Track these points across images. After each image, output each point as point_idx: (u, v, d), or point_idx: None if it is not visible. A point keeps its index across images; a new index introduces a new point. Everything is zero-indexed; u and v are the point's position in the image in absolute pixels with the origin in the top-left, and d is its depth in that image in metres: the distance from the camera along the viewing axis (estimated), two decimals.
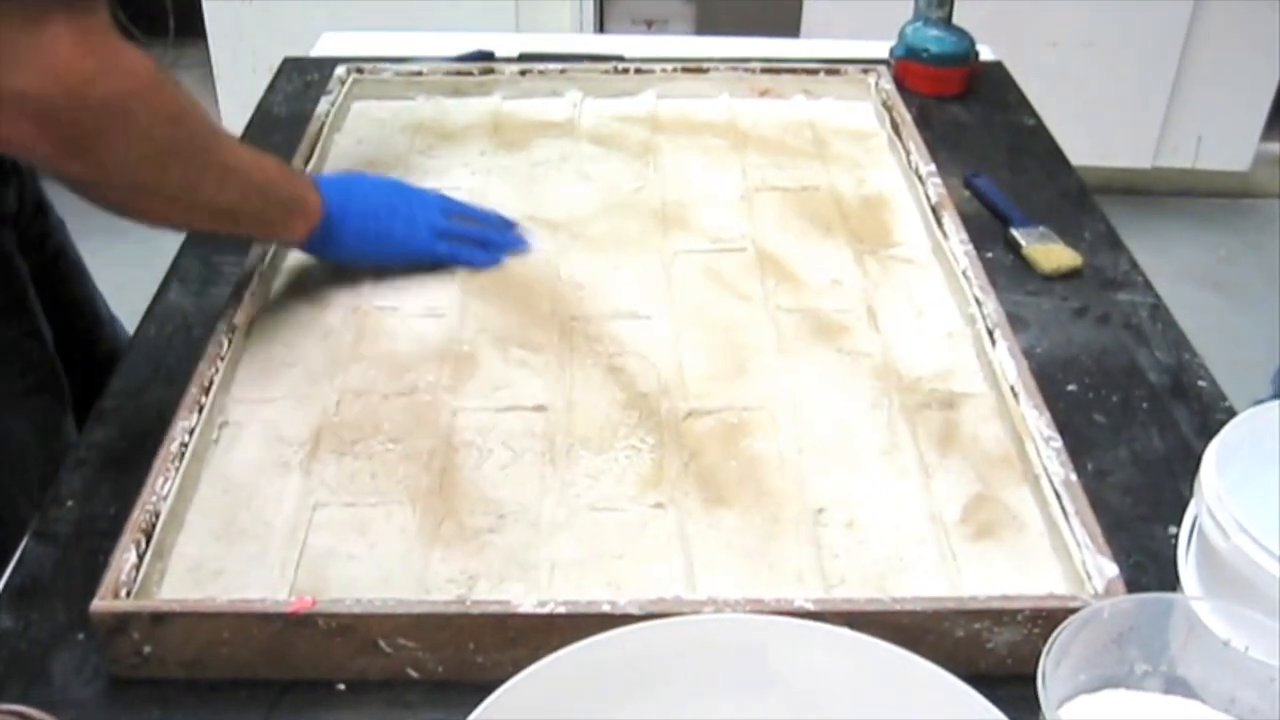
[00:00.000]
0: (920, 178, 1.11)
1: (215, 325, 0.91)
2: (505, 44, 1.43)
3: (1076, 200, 1.17)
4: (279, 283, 1.00)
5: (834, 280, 1.01)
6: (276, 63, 1.42)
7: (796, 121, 1.26)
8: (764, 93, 1.31)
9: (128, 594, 0.69)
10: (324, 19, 1.80)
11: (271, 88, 1.37)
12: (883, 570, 0.74)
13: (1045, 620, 0.67)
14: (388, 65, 1.31)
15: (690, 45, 1.68)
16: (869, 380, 0.90)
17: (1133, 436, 0.88)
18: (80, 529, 0.78)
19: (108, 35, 0.73)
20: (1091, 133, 2.59)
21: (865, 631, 0.59)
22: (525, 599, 0.68)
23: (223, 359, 0.88)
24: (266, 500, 0.79)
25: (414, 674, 0.69)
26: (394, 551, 0.75)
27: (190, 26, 2.81)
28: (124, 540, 0.71)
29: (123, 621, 0.67)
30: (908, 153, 1.16)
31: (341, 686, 0.69)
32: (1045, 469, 0.78)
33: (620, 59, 1.34)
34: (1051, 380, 0.91)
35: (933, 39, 1.35)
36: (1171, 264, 2.48)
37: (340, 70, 1.29)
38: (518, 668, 0.56)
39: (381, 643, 0.68)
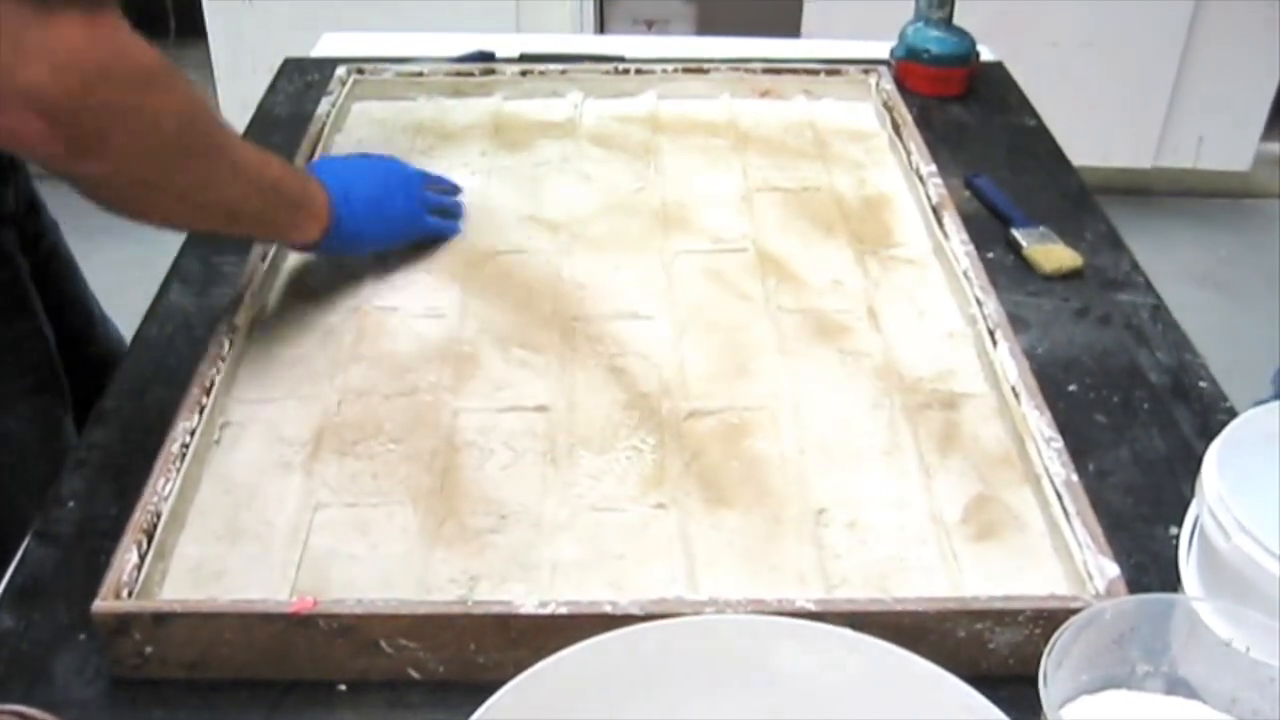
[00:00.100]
0: (921, 178, 1.11)
1: (216, 326, 0.91)
2: (506, 44, 1.43)
3: (1077, 200, 1.17)
4: (280, 283, 1.00)
5: (835, 280, 1.01)
6: (277, 63, 1.42)
7: (797, 122, 1.26)
8: (765, 93, 1.31)
9: (129, 594, 0.69)
10: (325, 19, 1.80)
11: (272, 88, 1.37)
12: (884, 570, 0.74)
13: (1047, 621, 0.67)
14: (388, 66, 1.31)
15: (691, 46, 1.68)
16: (870, 381, 0.90)
17: (1134, 437, 0.88)
18: (82, 529, 0.78)
19: (117, 30, 0.72)
20: (1092, 133, 2.59)
21: (867, 632, 0.59)
22: (527, 599, 0.68)
23: (224, 359, 0.88)
24: (268, 501, 0.79)
25: (415, 674, 0.69)
26: (395, 552, 0.75)
27: (191, 27, 2.80)
28: (125, 541, 0.71)
29: (124, 622, 0.67)
30: (908, 153, 1.16)
31: (343, 687, 0.69)
32: (1046, 469, 0.78)
33: (621, 59, 1.34)
34: (1052, 381, 0.91)
35: (933, 39, 1.35)
36: (1172, 264, 2.48)
37: (341, 71, 1.29)
38: (519, 668, 0.56)
39: (383, 643, 0.68)
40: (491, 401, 0.88)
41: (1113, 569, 0.70)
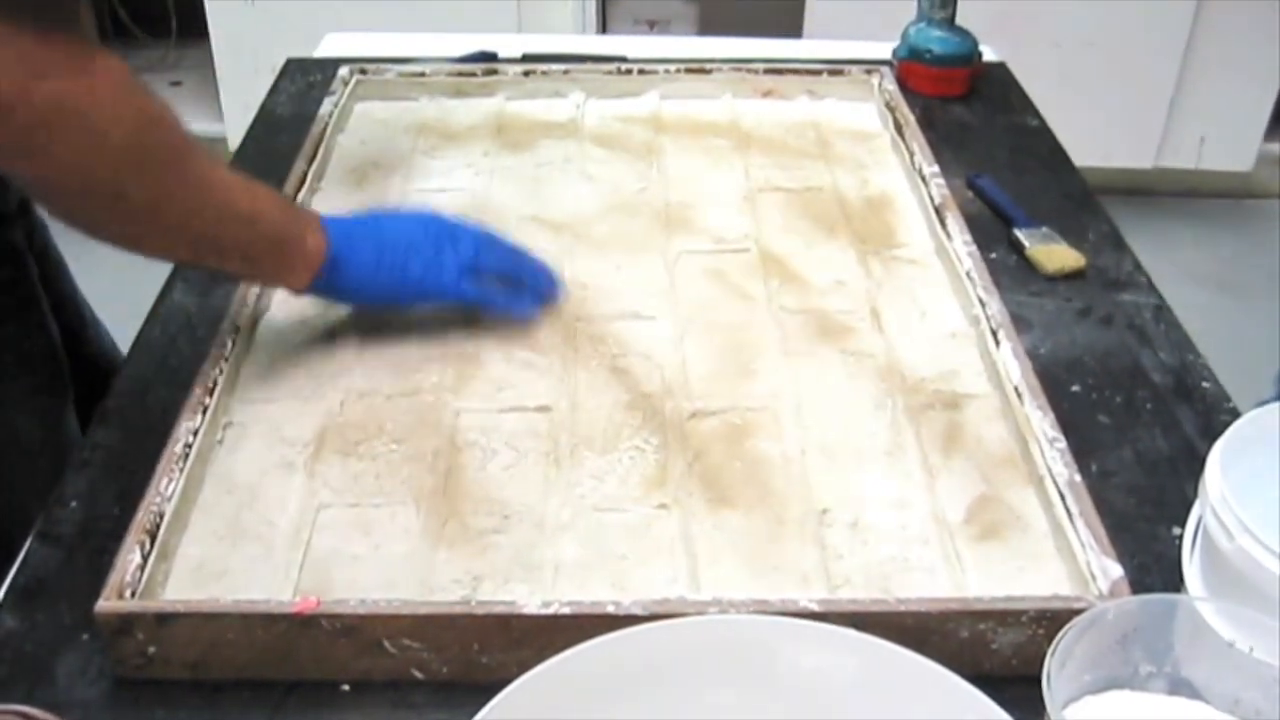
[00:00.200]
0: (923, 178, 1.11)
1: (219, 326, 0.91)
2: (508, 45, 1.43)
3: (1080, 201, 1.17)
4: None
5: (837, 281, 1.01)
6: (279, 63, 1.42)
7: (799, 122, 1.26)
8: (767, 93, 1.31)
9: (132, 594, 0.69)
10: (327, 20, 1.80)
11: (274, 89, 1.37)
12: (887, 571, 0.74)
13: (1050, 621, 0.67)
14: (391, 66, 1.31)
15: (693, 46, 1.68)
16: (873, 381, 0.90)
17: (1136, 437, 0.88)
18: (84, 530, 0.78)
19: (72, 36, 0.70)
20: (1094, 133, 2.59)
21: (869, 632, 0.59)
22: (530, 600, 0.68)
23: (226, 360, 0.88)
24: (270, 501, 0.79)
25: (418, 675, 0.69)
26: (398, 552, 0.75)
27: (193, 27, 2.81)
28: (128, 541, 0.71)
29: (127, 622, 0.67)
30: (911, 153, 1.16)
31: (346, 687, 0.69)
32: (1049, 470, 0.78)
33: (623, 60, 1.34)
34: (1055, 381, 0.91)
35: (936, 39, 1.35)
36: (1174, 265, 2.48)
37: (343, 71, 1.29)
38: (522, 668, 0.56)
39: (386, 643, 0.68)
40: (494, 402, 0.88)
41: (1116, 569, 0.70)
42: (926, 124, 1.22)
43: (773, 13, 2.62)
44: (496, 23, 2.53)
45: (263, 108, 1.33)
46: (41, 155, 0.71)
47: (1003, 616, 0.68)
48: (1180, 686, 0.61)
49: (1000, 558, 0.76)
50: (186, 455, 0.79)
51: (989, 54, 1.42)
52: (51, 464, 0.98)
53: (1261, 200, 2.95)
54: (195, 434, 0.81)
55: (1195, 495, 0.71)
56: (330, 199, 1.11)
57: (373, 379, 0.90)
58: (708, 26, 2.85)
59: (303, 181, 1.10)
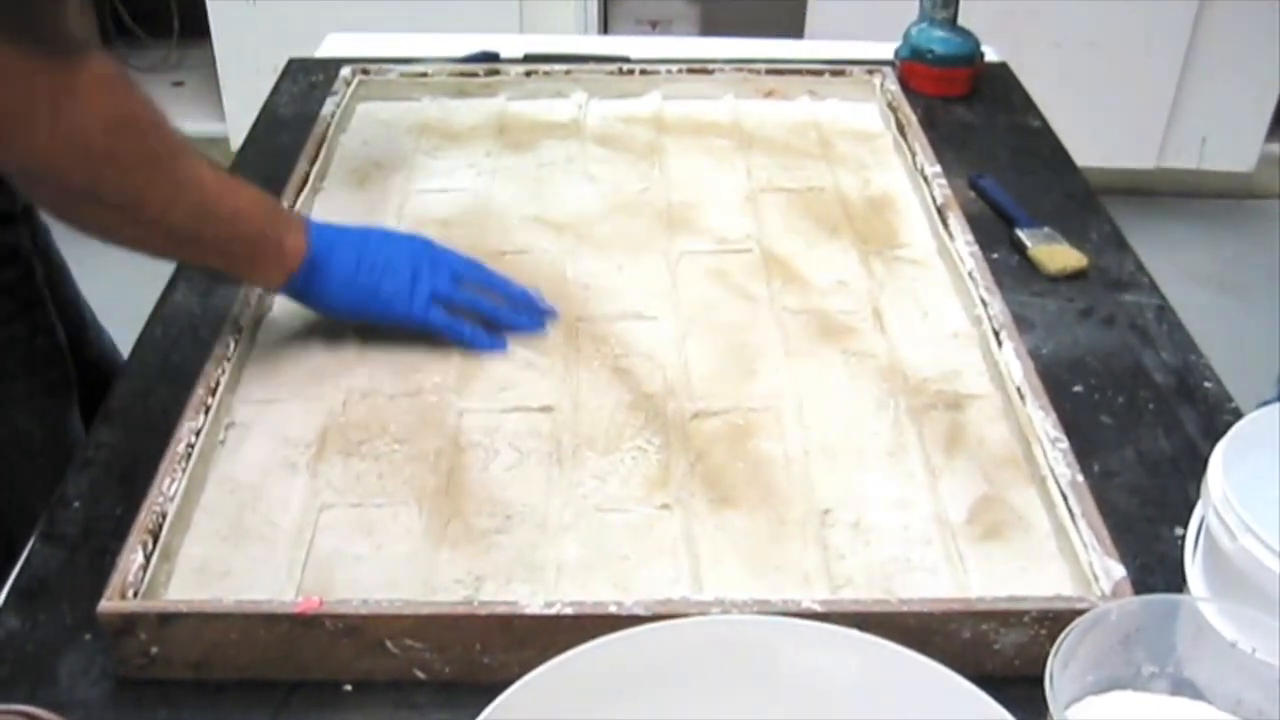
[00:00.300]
0: (925, 178, 1.11)
1: (221, 326, 0.91)
2: (510, 45, 1.43)
3: (1081, 201, 1.17)
4: None
5: (840, 281, 1.01)
6: (282, 64, 1.43)
7: (801, 122, 1.26)
8: (769, 94, 1.31)
9: (135, 594, 0.69)
10: (329, 20, 1.80)
11: (276, 89, 1.37)
12: (889, 571, 0.74)
13: (1052, 621, 0.67)
14: (393, 66, 1.31)
15: (695, 46, 1.68)
16: (875, 381, 0.90)
17: (1139, 438, 0.88)
18: (87, 530, 0.78)
19: (56, 34, 0.71)
20: (1096, 133, 2.59)
21: (872, 633, 0.59)
22: (532, 600, 0.68)
23: (229, 360, 0.88)
24: (273, 501, 0.79)
25: (421, 675, 0.69)
26: (400, 552, 0.75)
27: (195, 27, 2.81)
28: (131, 541, 0.71)
29: (130, 622, 0.67)
30: (913, 154, 1.16)
31: (348, 687, 0.69)
32: (1052, 470, 0.78)
33: (625, 60, 1.34)
34: (1057, 381, 0.91)
35: (938, 40, 1.35)
36: (1176, 265, 2.48)
37: (345, 71, 1.29)
38: (525, 669, 0.56)
39: (388, 643, 0.68)
40: (496, 402, 0.88)
41: (1118, 570, 0.70)
42: (928, 124, 1.22)
43: (774, 13, 2.62)
44: (498, 23, 2.53)
45: (265, 108, 1.33)
46: (15, 145, 0.72)
47: (1005, 617, 0.68)
48: (1183, 687, 0.61)
49: (1002, 558, 0.76)
50: (189, 455, 0.79)
51: (991, 54, 1.42)
52: (54, 464, 0.98)
53: (1263, 200, 2.95)
54: (198, 434, 0.81)
55: (1197, 495, 0.71)
56: (332, 199, 1.11)
57: (375, 379, 0.90)
58: (710, 27, 2.85)
59: (305, 182, 1.10)
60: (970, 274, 0.97)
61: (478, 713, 0.54)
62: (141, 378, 0.92)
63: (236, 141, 1.37)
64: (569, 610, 0.67)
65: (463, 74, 1.31)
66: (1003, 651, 0.69)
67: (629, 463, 0.82)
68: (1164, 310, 1.01)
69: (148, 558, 0.71)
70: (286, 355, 0.92)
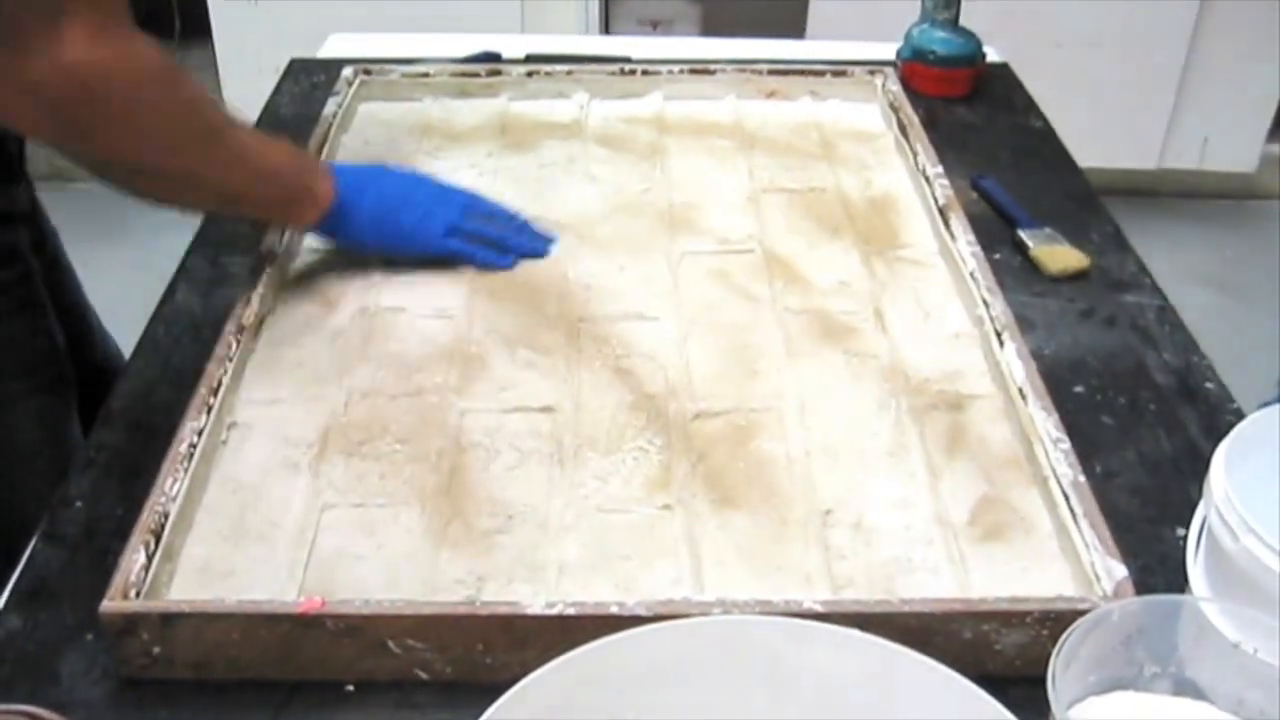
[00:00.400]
0: (927, 179, 1.11)
1: (223, 326, 0.91)
2: (511, 45, 1.43)
3: (1083, 202, 1.17)
4: (287, 283, 1.00)
5: (841, 282, 1.01)
6: (283, 64, 1.43)
7: (803, 123, 1.26)
8: (771, 94, 1.31)
9: (137, 595, 0.69)
10: (331, 20, 1.80)
11: (278, 89, 1.37)
12: (890, 572, 0.74)
13: (1054, 622, 0.67)
14: (394, 66, 1.31)
15: (696, 46, 1.68)
16: (876, 382, 0.90)
17: (1140, 438, 0.88)
18: (89, 530, 0.78)
19: (122, 29, 0.76)
20: (1097, 134, 2.59)
21: (873, 633, 0.59)
22: (533, 600, 0.68)
23: (231, 360, 0.88)
24: (275, 501, 0.79)
25: (422, 675, 0.69)
26: (402, 552, 0.75)
27: (196, 27, 2.81)
28: (133, 541, 0.71)
29: (132, 622, 0.67)
30: (915, 154, 1.16)
31: (350, 687, 0.69)
32: (1053, 470, 0.78)
33: (627, 60, 1.34)
34: (1059, 382, 0.91)
35: (939, 40, 1.35)
36: (1177, 265, 2.48)
37: (347, 71, 1.29)
38: (526, 669, 0.56)
39: (390, 644, 0.68)
40: (498, 402, 0.88)
41: (1120, 570, 0.70)
42: (930, 125, 1.22)
43: (776, 13, 2.62)
44: (500, 23, 2.53)
45: (266, 108, 1.33)
46: (100, 142, 0.79)
47: (1007, 617, 0.68)
48: (1185, 687, 0.61)
49: (1004, 558, 0.76)
50: (191, 455, 0.79)
51: (992, 55, 1.42)
52: (53, 465, 0.98)
53: (1265, 201, 2.95)
54: (200, 434, 0.81)
55: (1199, 496, 0.70)
56: None
57: (377, 379, 0.90)
58: (711, 27, 2.85)
59: None
60: (972, 274, 0.97)
61: (479, 713, 0.54)
62: (143, 378, 0.92)
63: None
64: (571, 611, 0.67)
65: (464, 74, 1.31)
66: (1004, 652, 0.69)
67: (630, 463, 0.82)
68: (1165, 311, 1.01)
69: (150, 558, 0.71)
70: (288, 355, 0.92)
